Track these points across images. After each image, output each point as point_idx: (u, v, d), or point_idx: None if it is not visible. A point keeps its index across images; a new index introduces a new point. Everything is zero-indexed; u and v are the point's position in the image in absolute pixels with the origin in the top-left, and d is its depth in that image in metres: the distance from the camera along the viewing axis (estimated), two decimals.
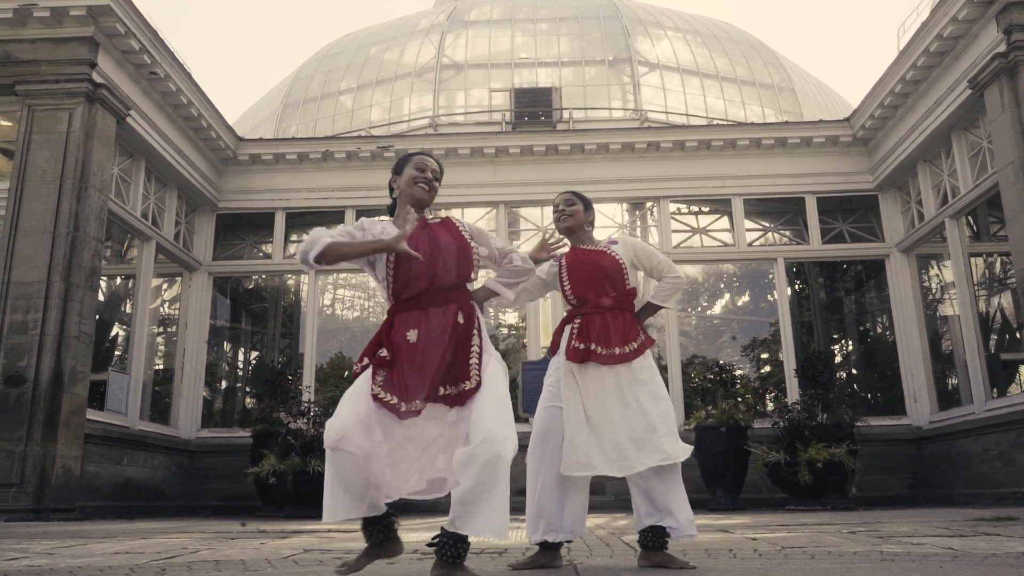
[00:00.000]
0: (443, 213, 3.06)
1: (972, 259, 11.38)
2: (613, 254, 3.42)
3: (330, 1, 70.59)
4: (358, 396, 2.55)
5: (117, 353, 12.04)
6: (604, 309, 3.33)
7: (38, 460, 7.96)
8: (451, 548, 2.50)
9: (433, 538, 2.56)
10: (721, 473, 9.35)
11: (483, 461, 2.42)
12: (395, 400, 2.53)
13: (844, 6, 68.27)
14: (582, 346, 3.29)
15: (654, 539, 3.12)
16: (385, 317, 2.78)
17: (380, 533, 2.62)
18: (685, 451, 3.16)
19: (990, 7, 8.91)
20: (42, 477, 7.95)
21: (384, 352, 2.61)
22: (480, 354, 2.68)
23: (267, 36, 70.76)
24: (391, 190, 3.02)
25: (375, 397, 2.54)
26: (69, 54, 9.08)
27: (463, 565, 2.51)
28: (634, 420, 3.15)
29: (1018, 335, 11.14)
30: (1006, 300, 11.51)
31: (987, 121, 9.21)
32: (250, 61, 71.03)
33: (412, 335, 2.65)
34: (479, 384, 2.60)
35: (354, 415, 2.49)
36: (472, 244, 2.86)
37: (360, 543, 2.72)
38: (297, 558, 3.37)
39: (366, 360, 2.64)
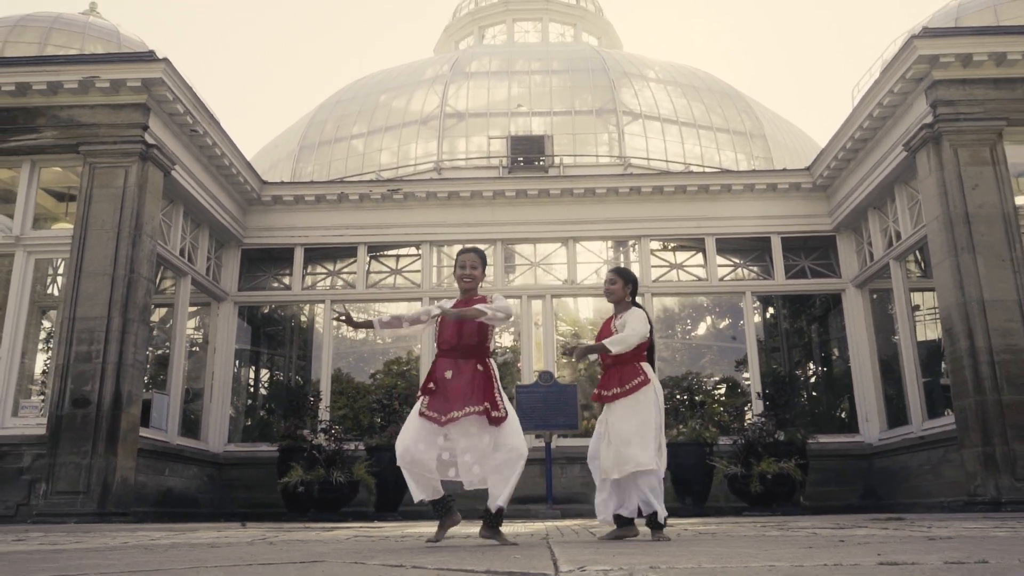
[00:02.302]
0: (490, 292, 4.63)
1: (921, 293, 12.81)
2: (613, 327, 4.87)
3: (335, 36, 72.38)
4: (411, 420, 4.08)
5: (146, 376, 13.35)
6: (608, 365, 4.86)
7: (101, 471, 9.31)
8: (494, 516, 4.04)
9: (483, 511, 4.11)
10: (689, 484, 10.72)
11: (513, 461, 4.03)
12: (435, 414, 4.06)
13: (819, 47, 70.21)
14: (595, 391, 4.93)
15: (650, 523, 4.58)
16: (432, 360, 4.35)
17: (443, 509, 4.12)
18: (643, 465, 4.54)
19: (920, 83, 10.38)
20: (105, 486, 9.29)
21: (432, 385, 4.13)
22: (502, 393, 4.15)
23: (273, 62, 72.54)
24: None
25: (421, 413, 4.03)
26: (125, 119, 10.50)
27: (500, 528, 4.05)
28: (611, 441, 4.64)
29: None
30: None
31: (918, 180, 10.66)
32: (255, 80, 72.78)
33: (448, 374, 4.18)
34: (507, 414, 4.11)
35: (408, 434, 4.04)
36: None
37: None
38: (354, 538, 4.74)
39: (420, 393, 4.19)
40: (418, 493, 4.06)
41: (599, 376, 5.06)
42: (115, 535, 5.46)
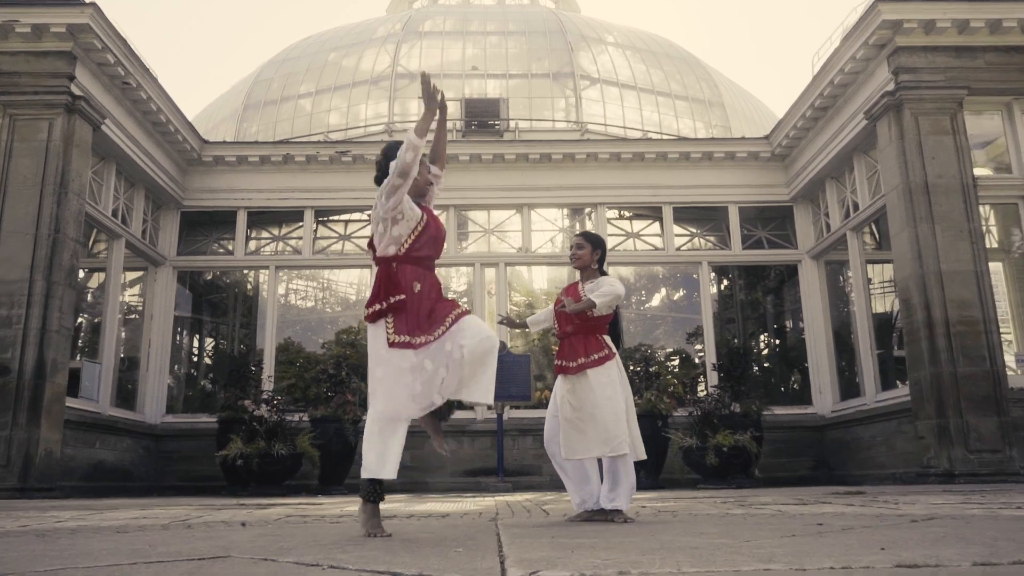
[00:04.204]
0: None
1: (877, 265, 12.73)
2: (581, 293, 4.37)
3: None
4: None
5: (80, 343, 12.67)
6: (569, 334, 4.34)
7: (23, 444, 8.72)
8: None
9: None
10: None
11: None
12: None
13: (778, 17, 70.38)
14: (558, 362, 4.35)
15: (603, 513, 4.12)
16: (382, 268, 3.47)
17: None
18: (620, 449, 4.08)
19: (883, 49, 10.16)
20: (27, 459, 8.71)
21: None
22: None
23: (222, 25, 70.12)
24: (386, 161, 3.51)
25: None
26: (48, 67, 9.75)
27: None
28: (582, 417, 4.11)
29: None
30: None
31: (878, 149, 10.48)
32: (202, 44, 70.33)
33: (416, 287, 3.43)
34: None
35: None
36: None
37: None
38: (287, 518, 4.34)
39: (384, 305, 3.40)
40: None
41: (553, 348, 4.59)
42: (23, 513, 4.97)
